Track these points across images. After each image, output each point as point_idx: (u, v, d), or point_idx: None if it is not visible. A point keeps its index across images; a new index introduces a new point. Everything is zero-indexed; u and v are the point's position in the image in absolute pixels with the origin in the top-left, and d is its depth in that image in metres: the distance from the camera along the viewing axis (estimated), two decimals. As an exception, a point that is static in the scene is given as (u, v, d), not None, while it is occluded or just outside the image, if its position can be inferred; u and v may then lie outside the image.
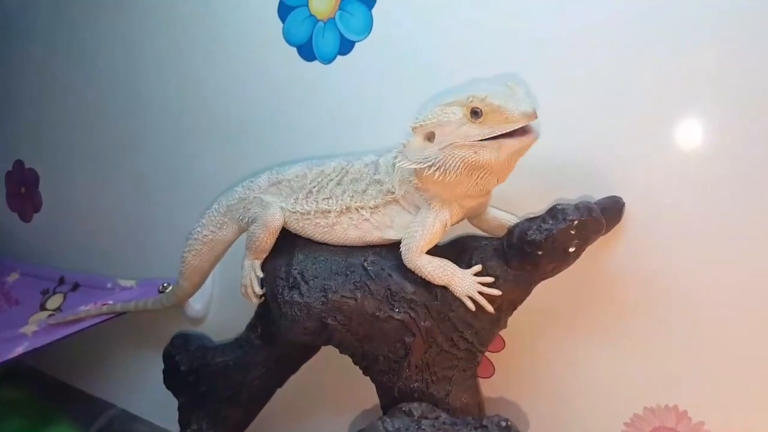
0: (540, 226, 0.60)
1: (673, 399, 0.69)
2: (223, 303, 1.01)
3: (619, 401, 0.72)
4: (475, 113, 0.53)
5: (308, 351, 0.80)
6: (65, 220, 1.20)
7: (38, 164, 1.23)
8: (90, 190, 1.15)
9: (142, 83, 1.04)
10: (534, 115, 0.52)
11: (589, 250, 0.66)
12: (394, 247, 0.65)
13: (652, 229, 0.68)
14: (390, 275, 0.64)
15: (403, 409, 0.48)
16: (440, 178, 0.56)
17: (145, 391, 1.09)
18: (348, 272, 0.64)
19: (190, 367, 0.82)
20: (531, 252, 0.60)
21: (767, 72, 0.61)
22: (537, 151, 0.63)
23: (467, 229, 0.70)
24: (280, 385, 0.82)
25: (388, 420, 0.49)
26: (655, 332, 0.70)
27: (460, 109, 0.54)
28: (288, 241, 0.69)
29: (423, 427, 0.46)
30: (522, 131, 0.54)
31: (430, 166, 0.56)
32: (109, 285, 1.01)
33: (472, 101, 0.53)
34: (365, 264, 0.65)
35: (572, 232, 0.58)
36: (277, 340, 0.77)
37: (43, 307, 1.03)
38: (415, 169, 0.58)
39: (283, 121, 0.89)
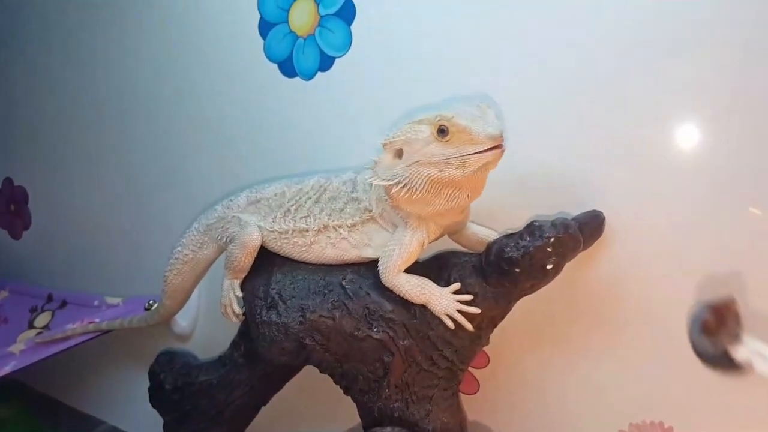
0: (517, 243, 0.59)
1: (658, 415, 0.68)
2: (210, 320, 1.01)
3: (605, 418, 0.71)
4: (442, 132, 0.53)
5: (291, 369, 0.79)
6: (54, 237, 1.20)
7: (28, 182, 1.24)
8: (79, 207, 1.16)
9: (127, 104, 1.05)
10: (500, 138, 0.52)
11: (574, 266, 0.66)
12: (372, 265, 0.64)
13: (635, 244, 0.67)
14: (368, 294, 0.63)
15: (375, 433, 0.48)
16: (407, 195, 0.56)
17: (135, 408, 1.08)
18: (326, 291, 0.64)
19: (175, 385, 0.81)
20: (509, 269, 0.59)
21: (743, 86, 0.60)
22: (517, 166, 0.63)
23: (448, 244, 0.70)
24: (264, 403, 0.81)
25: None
26: (640, 348, 0.69)
27: (428, 128, 0.54)
28: (267, 260, 0.69)
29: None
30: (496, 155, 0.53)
31: (397, 183, 0.56)
32: (96, 302, 1.01)
33: (439, 120, 0.53)
34: (343, 283, 0.64)
35: (549, 249, 0.57)
36: (259, 359, 0.77)
37: (31, 325, 1.02)
38: (384, 186, 0.58)
39: (265, 137, 0.90)
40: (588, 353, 0.72)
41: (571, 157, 0.70)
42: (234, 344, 0.80)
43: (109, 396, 1.16)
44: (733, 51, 0.61)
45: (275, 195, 0.69)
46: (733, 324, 0.38)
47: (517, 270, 0.59)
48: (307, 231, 0.66)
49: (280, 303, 0.64)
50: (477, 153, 0.52)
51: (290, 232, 0.67)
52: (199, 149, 0.97)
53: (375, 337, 0.62)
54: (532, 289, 0.63)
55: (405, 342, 0.62)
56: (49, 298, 1.07)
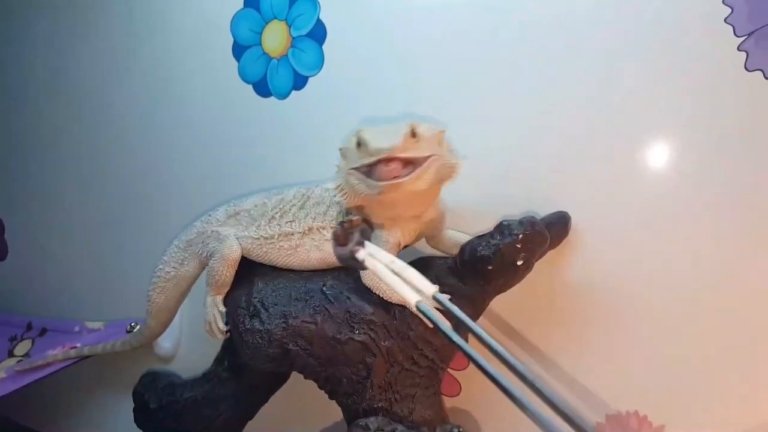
0: (488, 242, 0.62)
1: (633, 405, 0.71)
2: (192, 340, 1.01)
3: (583, 410, 0.73)
4: (358, 144, 0.56)
5: (277, 381, 0.81)
6: (32, 267, 1.20)
7: (3, 212, 1.23)
8: (56, 235, 1.16)
9: (102, 130, 1.06)
10: (387, 154, 0.53)
11: (548, 265, 0.70)
12: (351, 270, 0.66)
13: (602, 243, 0.71)
14: (348, 298, 0.65)
15: (360, 424, 0.49)
16: (347, 200, 0.60)
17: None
18: (307, 297, 0.66)
19: (160, 404, 0.82)
20: (482, 267, 0.62)
21: (711, 93, 0.65)
22: (487, 170, 0.66)
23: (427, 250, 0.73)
24: (250, 417, 0.82)
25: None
26: (615, 343, 0.72)
27: (355, 139, 0.57)
28: (248, 271, 0.71)
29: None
30: (383, 172, 0.55)
31: (338, 188, 0.60)
32: (77, 329, 1.01)
33: (358, 134, 0.57)
34: (324, 288, 0.66)
35: (518, 246, 0.61)
36: (244, 371, 0.78)
37: (11, 354, 1.01)
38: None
39: (241, 156, 0.92)
40: (565, 350, 0.75)
41: (540, 160, 0.73)
42: (218, 359, 0.82)
43: (93, 422, 1.14)
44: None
45: (255, 206, 0.71)
46: (356, 235, 0.54)
47: (490, 267, 0.62)
48: (293, 234, 0.68)
49: (263, 311, 0.66)
50: (375, 170, 0.55)
51: (276, 236, 0.69)
52: (177, 170, 0.99)
53: (357, 339, 0.64)
54: (505, 287, 0.66)
55: (386, 343, 0.64)
56: (29, 327, 1.06)
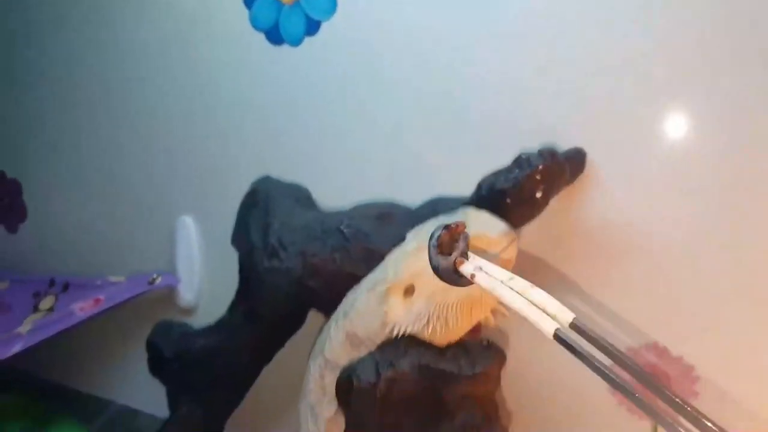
0: (507, 176, 0.62)
1: (653, 338, 0.71)
2: (214, 292, 1.02)
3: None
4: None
5: (292, 325, 0.79)
6: (52, 226, 1.21)
7: (20, 174, 1.24)
8: (74, 193, 1.16)
9: (115, 83, 1.06)
10: (512, 233, 0.49)
11: (563, 202, 0.69)
12: (369, 210, 0.67)
13: (621, 180, 0.70)
14: (366, 235, 0.66)
15: (388, 341, 0.50)
16: (443, 329, 0.51)
17: (143, 385, 1.09)
18: (325, 236, 0.66)
19: (174, 352, 0.82)
20: (500, 201, 0.62)
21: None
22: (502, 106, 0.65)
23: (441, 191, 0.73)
24: (267, 361, 0.81)
25: (375, 352, 0.50)
26: (633, 278, 0.72)
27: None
28: (262, 212, 0.71)
29: (409, 352, 0.48)
30: None
31: (428, 321, 0.51)
32: (98, 282, 1.02)
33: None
34: (341, 227, 0.67)
35: (538, 178, 0.60)
36: (259, 317, 0.77)
37: (36, 309, 1.04)
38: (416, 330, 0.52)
39: (255, 105, 0.91)
40: (583, 287, 0.74)
41: (558, 97, 0.72)
42: (233, 306, 0.81)
43: (115, 376, 1.17)
44: None
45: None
46: (462, 244, 0.44)
47: (508, 201, 0.62)
48: None
49: (281, 250, 0.66)
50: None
51: None
52: (191, 123, 0.98)
53: (375, 275, 0.64)
54: (521, 222, 0.65)
55: (404, 278, 0.64)
56: (52, 283, 1.08)
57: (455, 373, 0.46)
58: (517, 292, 0.40)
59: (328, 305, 0.68)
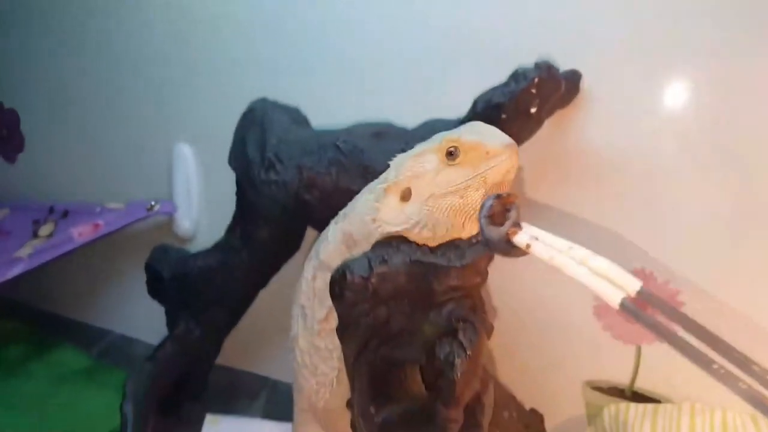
0: (503, 91, 0.62)
1: (639, 263, 0.73)
2: (211, 220, 1.03)
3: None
4: (450, 154, 0.48)
5: (288, 249, 0.80)
6: (50, 156, 1.22)
7: (18, 104, 1.24)
8: (71, 122, 1.17)
9: (112, 12, 1.05)
10: (513, 144, 0.47)
11: (559, 125, 0.70)
12: (365, 128, 0.67)
13: (618, 105, 0.71)
14: (362, 151, 0.66)
15: (381, 241, 0.51)
16: (430, 234, 0.50)
17: (140, 315, 1.11)
18: (321, 151, 0.67)
19: (172, 274, 0.83)
20: (495, 117, 0.62)
21: None
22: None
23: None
24: (263, 284, 0.83)
25: (369, 251, 0.51)
26: (617, 203, 0.73)
27: (434, 156, 0.49)
28: (259, 129, 0.71)
29: (402, 248, 0.49)
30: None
31: (415, 225, 0.50)
32: (97, 209, 1.03)
33: (445, 143, 0.49)
34: (338, 143, 0.67)
35: (533, 91, 0.61)
36: (256, 240, 0.77)
37: (36, 235, 1.05)
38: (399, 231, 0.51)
39: (250, 30, 0.91)
40: (573, 211, 0.75)
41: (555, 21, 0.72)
42: (229, 230, 0.81)
43: (113, 306, 1.19)
44: None
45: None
46: (514, 213, 0.43)
47: (504, 116, 0.62)
48: None
49: (278, 163, 0.67)
50: (496, 166, 0.47)
51: None
52: (187, 50, 0.98)
53: (371, 191, 0.65)
54: (518, 141, 0.65)
55: (401, 193, 0.65)
56: (51, 210, 1.09)
57: (444, 266, 0.47)
58: (578, 262, 0.39)
59: (324, 222, 0.69)
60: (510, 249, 0.42)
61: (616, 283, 0.37)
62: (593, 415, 0.74)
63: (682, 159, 0.70)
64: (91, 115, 1.13)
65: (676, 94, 0.69)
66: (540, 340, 0.79)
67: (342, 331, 0.51)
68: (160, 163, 1.04)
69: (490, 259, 0.48)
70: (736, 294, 0.68)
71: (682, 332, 0.35)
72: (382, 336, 0.50)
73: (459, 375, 0.44)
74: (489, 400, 0.49)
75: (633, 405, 0.70)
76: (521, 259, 0.75)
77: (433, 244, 0.50)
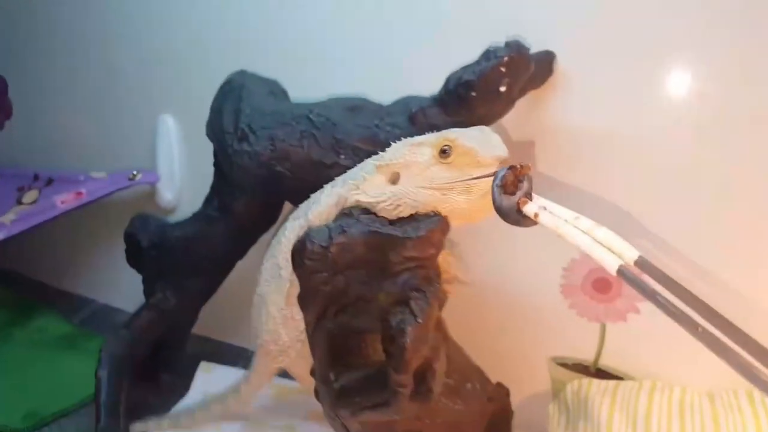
0: (474, 69, 0.63)
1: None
2: (193, 192, 1.04)
3: (556, 250, 0.76)
4: (444, 152, 0.49)
5: (266, 221, 0.81)
6: (36, 124, 1.22)
7: (5, 71, 1.24)
8: (58, 92, 1.17)
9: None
10: (507, 161, 0.47)
11: (533, 107, 0.70)
12: (340, 102, 0.68)
13: (592, 87, 0.72)
14: (335, 125, 0.67)
15: (344, 212, 0.52)
16: (393, 213, 0.52)
17: (123, 285, 1.13)
18: (294, 123, 0.67)
19: (151, 242, 0.84)
20: (466, 94, 0.63)
21: None
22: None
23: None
24: (240, 256, 0.84)
25: (331, 222, 0.52)
26: (589, 178, 0.74)
27: (429, 149, 0.51)
28: (235, 100, 0.72)
29: (361, 219, 0.50)
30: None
31: (385, 200, 0.52)
32: (81, 178, 1.04)
33: (442, 140, 0.50)
34: (311, 116, 0.68)
35: (503, 69, 0.61)
36: (233, 211, 0.78)
37: (19, 202, 1.06)
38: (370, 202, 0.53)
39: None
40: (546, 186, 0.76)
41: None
42: (207, 200, 0.82)
43: (96, 275, 1.20)
44: None
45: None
46: (526, 184, 0.44)
47: (473, 94, 0.63)
48: None
49: (251, 134, 0.68)
50: (483, 177, 0.47)
51: None
52: (171, 22, 0.98)
53: (342, 164, 0.66)
54: (487, 119, 0.66)
55: (372, 167, 0.66)
56: (36, 178, 1.10)
57: (400, 237, 0.48)
58: (583, 231, 0.41)
59: (297, 194, 0.70)
60: (519, 218, 0.44)
61: (615, 252, 0.40)
62: (558, 391, 0.76)
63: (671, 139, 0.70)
64: (77, 85, 1.13)
65: (661, 78, 0.69)
66: (508, 316, 0.81)
67: (303, 299, 0.53)
68: (145, 135, 1.05)
69: (445, 230, 0.49)
70: (724, 260, 0.69)
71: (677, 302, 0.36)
72: (341, 304, 0.51)
73: (408, 341, 0.45)
74: (441, 367, 0.50)
75: (595, 381, 0.71)
76: (494, 236, 0.77)
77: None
